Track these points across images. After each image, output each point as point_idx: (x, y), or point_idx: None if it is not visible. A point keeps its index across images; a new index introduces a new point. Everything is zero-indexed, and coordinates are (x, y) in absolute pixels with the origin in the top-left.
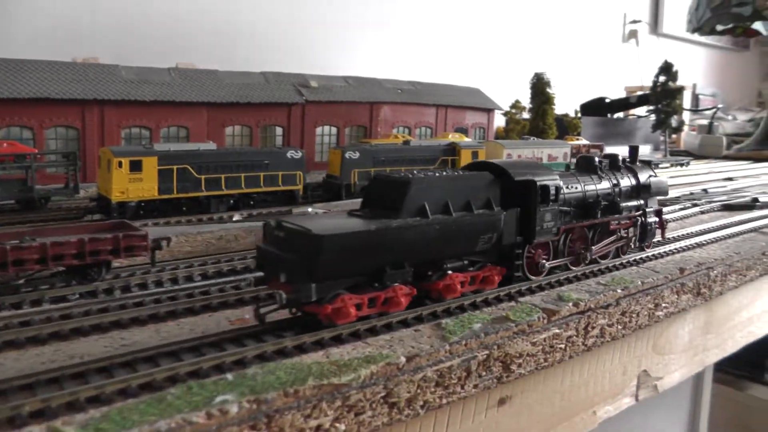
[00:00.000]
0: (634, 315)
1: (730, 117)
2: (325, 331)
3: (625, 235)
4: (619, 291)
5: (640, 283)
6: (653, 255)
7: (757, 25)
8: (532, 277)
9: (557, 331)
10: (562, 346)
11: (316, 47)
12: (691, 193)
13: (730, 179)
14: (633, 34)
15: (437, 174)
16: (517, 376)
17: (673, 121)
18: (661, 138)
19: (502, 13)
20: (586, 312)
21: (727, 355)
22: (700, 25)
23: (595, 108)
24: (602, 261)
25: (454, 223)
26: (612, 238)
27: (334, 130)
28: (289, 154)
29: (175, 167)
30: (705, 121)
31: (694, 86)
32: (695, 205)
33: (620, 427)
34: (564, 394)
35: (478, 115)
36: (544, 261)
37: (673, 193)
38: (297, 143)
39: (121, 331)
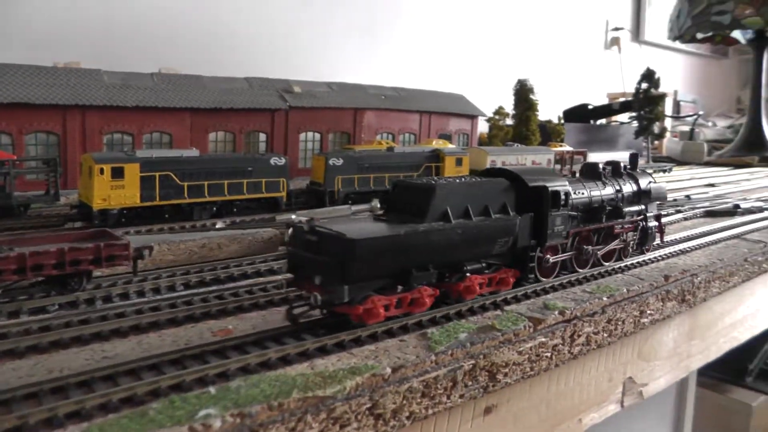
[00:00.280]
0: (619, 323)
1: (710, 123)
2: (308, 341)
3: (628, 238)
4: (604, 299)
5: (625, 290)
6: (638, 262)
7: (736, 34)
8: (543, 279)
9: (543, 339)
10: (548, 354)
11: (299, 53)
12: (675, 200)
13: (712, 185)
14: (615, 41)
15: (458, 180)
16: (504, 386)
17: (656, 128)
18: (644, 144)
19: (486, 19)
20: (571, 320)
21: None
22: (681, 33)
23: (578, 114)
24: (606, 263)
25: (475, 227)
26: (616, 242)
27: (317, 136)
28: (272, 161)
29: (157, 174)
30: (686, 128)
31: (675, 93)
32: (678, 212)
33: None
34: (550, 403)
35: (461, 122)
36: (549, 257)
37: None
38: (280, 149)
39: (102, 343)
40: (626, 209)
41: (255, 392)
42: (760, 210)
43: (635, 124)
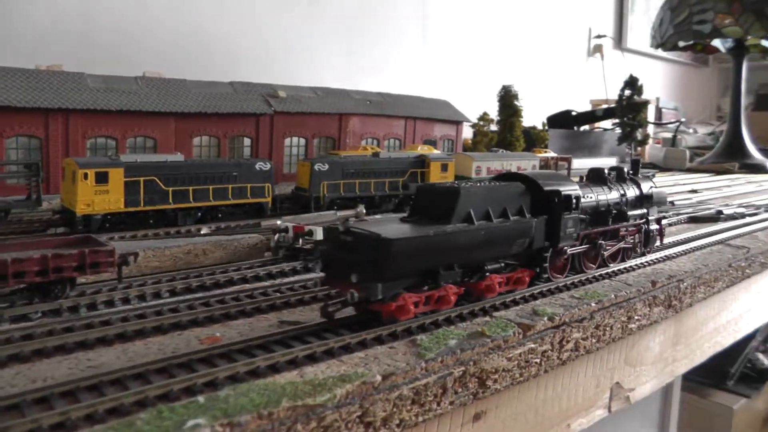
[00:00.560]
0: (607, 328)
1: (691, 130)
2: (297, 349)
3: (632, 240)
4: (593, 305)
5: (613, 296)
6: (626, 268)
7: (716, 43)
8: (555, 278)
9: (533, 345)
10: (538, 360)
11: (284, 57)
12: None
13: (694, 191)
14: (598, 48)
15: (479, 184)
16: (493, 392)
17: (639, 134)
18: (627, 150)
19: (471, 26)
20: (560, 326)
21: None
22: (664, 40)
23: (562, 121)
24: (611, 264)
25: (496, 228)
26: (621, 244)
27: (302, 141)
28: (257, 166)
29: (142, 179)
30: (668, 135)
31: (657, 100)
32: (664, 218)
33: None
34: (538, 409)
35: (446, 127)
36: (567, 249)
37: None
38: (265, 154)
39: (86, 352)
40: (630, 212)
41: (244, 401)
42: (743, 216)
43: (618, 130)
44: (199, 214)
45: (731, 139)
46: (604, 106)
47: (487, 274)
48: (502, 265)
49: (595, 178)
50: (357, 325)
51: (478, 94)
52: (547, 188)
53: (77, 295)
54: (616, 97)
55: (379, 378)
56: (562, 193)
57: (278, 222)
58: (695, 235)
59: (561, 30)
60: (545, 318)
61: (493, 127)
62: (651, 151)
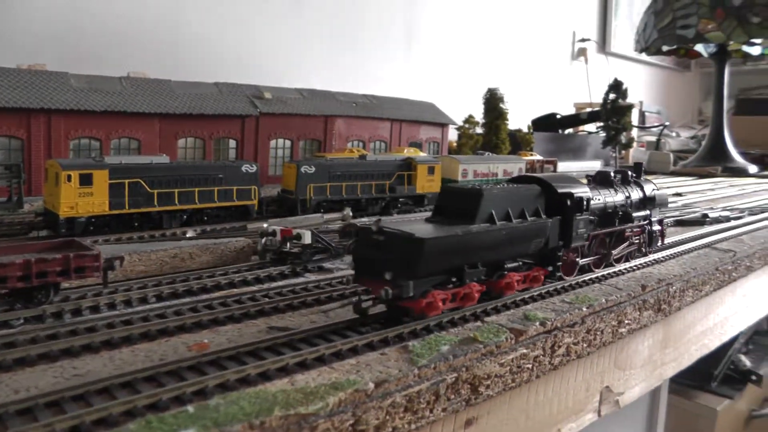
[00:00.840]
0: (598, 332)
1: (674, 134)
2: (288, 356)
3: (636, 241)
4: (584, 309)
5: (604, 300)
6: (615, 272)
7: (699, 47)
8: (566, 277)
9: (525, 351)
10: (530, 366)
11: (270, 59)
12: None
13: (679, 195)
14: (582, 52)
15: (499, 186)
16: (485, 398)
17: (623, 138)
18: (612, 154)
19: (456, 29)
20: (552, 331)
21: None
22: (648, 45)
23: (547, 124)
24: (617, 264)
25: (516, 228)
26: (626, 244)
27: (288, 143)
28: (243, 168)
29: (126, 181)
30: (652, 138)
31: (641, 104)
32: (665, 219)
33: None
34: (529, 414)
35: (432, 130)
36: (577, 259)
37: None
38: (250, 156)
39: (71, 360)
40: (634, 214)
41: (235, 410)
42: (728, 219)
43: (603, 133)
44: (185, 216)
45: (714, 142)
46: (588, 109)
47: (506, 272)
48: (520, 264)
49: (602, 180)
50: (388, 321)
51: (464, 96)
52: (560, 190)
53: (61, 300)
54: (599, 101)
55: (371, 385)
56: (575, 195)
57: (265, 225)
58: (682, 238)
59: (545, 33)
60: (537, 323)
61: (479, 130)
62: (635, 154)
